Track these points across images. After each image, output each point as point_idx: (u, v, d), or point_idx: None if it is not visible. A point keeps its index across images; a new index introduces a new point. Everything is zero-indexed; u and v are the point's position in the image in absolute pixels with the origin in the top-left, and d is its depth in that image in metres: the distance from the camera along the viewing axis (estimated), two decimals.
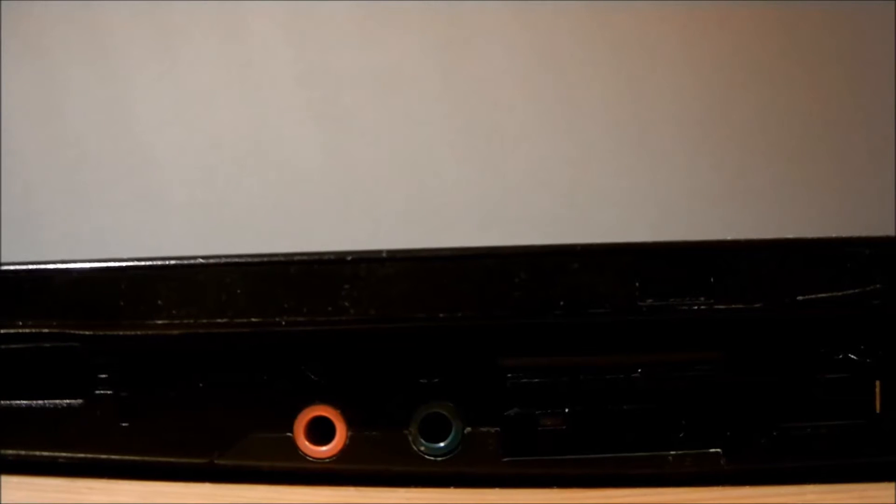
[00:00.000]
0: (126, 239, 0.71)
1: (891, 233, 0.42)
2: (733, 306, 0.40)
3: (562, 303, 0.39)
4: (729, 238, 0.41)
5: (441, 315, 0.39)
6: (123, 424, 0.41)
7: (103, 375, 0.41)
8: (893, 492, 0.39)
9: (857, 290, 0.40)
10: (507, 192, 0.72)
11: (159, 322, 0.40)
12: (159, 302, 0.40)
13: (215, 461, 0.41)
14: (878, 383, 0.41)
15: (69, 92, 0.72)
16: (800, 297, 0.40)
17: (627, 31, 0.73)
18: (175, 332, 0.40)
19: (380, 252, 0.39)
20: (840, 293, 0.40)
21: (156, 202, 0.72)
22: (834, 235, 0.41)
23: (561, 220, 0.72)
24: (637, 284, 0.39)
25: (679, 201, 0.73)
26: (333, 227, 0.72)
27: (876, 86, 0.72)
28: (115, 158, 0.71)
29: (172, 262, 0.40)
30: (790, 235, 0.41)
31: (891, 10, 0.71)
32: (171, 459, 0.41)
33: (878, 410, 0.41)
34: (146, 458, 0.41)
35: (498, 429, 0.40)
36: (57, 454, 0.41)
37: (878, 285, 0.40)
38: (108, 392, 0.41)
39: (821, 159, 0.73)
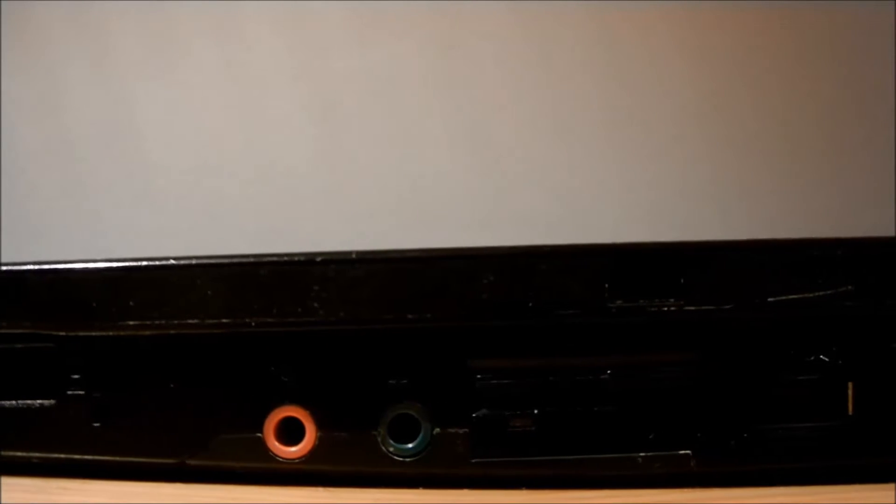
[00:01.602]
0: (125, 239, 0.71)
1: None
2: (703, 307, 0.40)
3: (531, 304, 0.39)
4: (709, 238, 0.41)
5: (410, 316, 0.39)
6: (95, 425, 0.41)
7: (76, 376, 0.41)
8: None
9: (828, 292, 0.39)
10: (502, 193, 0.72)
11: (131, 323, 0.40)
12: (131, 303, 0.40)
13: (186, 461, 0.41)
14: (850, 385, 0.40)
15: (68, 92, 0.72)
16: (770, 299, 0.39)
17: (623, 30, 0.72)
18: (146, 332, 0.40)
19: (349, 253, 0.39)
20: (811, 294, 0.39)
21: (154, 201, 0.72)
22: (808, 237, 0.41)
23: (556, 220, 0.72)
24: (606, 286, 0.39)
25: (676, 201, 0.72)
26: (330, 227, 0.72)
27: (876, 86, 0.71)
28: (114, 158, 0.72)
29: (144, 263, 0.40)
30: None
31: (891, 10, 0.71)
32: (143, 460, 0.41)
33: (850, 412, 0.41)
34: (118, 459, 0.41)
35: (467, 430, 0.40)
36: (30, 454, 0.41)
37: (849, 287, 0.39)
38: (81, 393, 0.41)
39: (821, 159, 0.72)
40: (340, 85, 0.72)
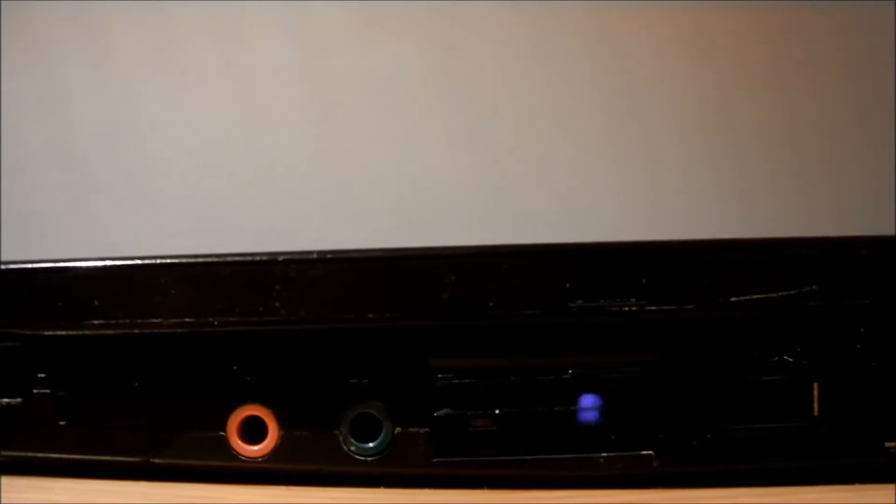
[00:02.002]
0: (125, 238, 0.72)
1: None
2: (665, 308, 0.39)
3: (491, 304, 0.39)
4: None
5: (371, 316, 0.40)
6: (61, 423, 0.41)
7: (42, 375, 0.41)
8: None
9: (792, 292, 0.39)
10: (502, 193, 0.72)
11: (96, 322, 0.40)
12: (96, 302, 0.40)
13: (151, 460, 0.41)
14: (815, 385, 0.40)
15: (68, 91, 0.73)
16: (733, 299, 0.39)
17: (623, 29, 0.72)
18: (111, 332, 0.40)
19: (310, 253, 0.40)
20: (775, 294, 0.39)
21: (154, 201, 0.72)
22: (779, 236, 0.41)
23: (556, 220, 0.72)
24: (567, 286, 0.39)
25: (676, 201, 0.72)
26: (330, 227, 0.72)
27: (876, 86, 0.71)
28: (115, 158, 0.72)
29: (108, 263, 0.40)
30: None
31: (891, 10, 0.70)
32: (108, 458, 0.41)
33: (816, 413, 0.40)
34: (83, 457, 0.41)
35: (428, 429, 0.41)
36: None
37: (814, 286, 0.39)
38: (47, 391, 0.41)
39: (821, 159, 0.72)
40: (340, 85, 0.72)
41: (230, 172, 0.72)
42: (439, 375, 0.40)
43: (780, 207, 0.71)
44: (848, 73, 0.71)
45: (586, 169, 0.72)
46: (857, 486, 0.40)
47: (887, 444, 0.40)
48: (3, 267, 0.40)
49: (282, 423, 0.41)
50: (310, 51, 0.72)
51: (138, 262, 0.40)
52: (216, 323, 0.40)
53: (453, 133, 0.71)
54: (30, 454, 0.41)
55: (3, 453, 0.41)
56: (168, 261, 0.40)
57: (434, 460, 0.40)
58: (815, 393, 0.40)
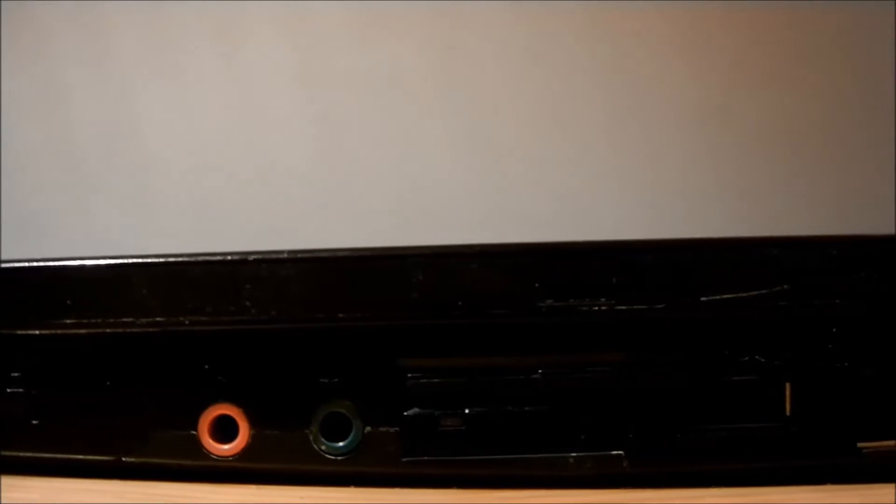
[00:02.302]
0: (125, 238, 0.72)
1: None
2: (635, 307, 0.39)
3: (460, 303, 0.39)
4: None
5: (341, 315, 0.40)
6: (34, 422, 0.41)
7: (15, 374, 0.41)
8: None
9: (763, 291, 0.39)
10: (502, 192, 0.72)
11: (68, 322, 0.40)
12: (68, 302, 0.40)
13: (123, 459, 0.41)
14: (787, 385, 0.40)
15: (68, 92, 0.73)
16: (704, 298, 0.39)
17: (623, 29, 0.72)
18: (83, 331, 0.40)
19: (281, 252, 0.40)
20: (746, 294, 0.39)
21: (154, 201, 0.73)
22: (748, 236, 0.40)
23: (556, 219, 0.71)
24: (537, 285, 0.39)
25: (676, 201, 0.72)
26: (329, 227, 0.72)
27: (876, 86, 0.71)
28: (115, 158, 0.72)
29: (80, 263, 0.40)
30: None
31: (891, 10, 0.70)
32: (80, 457, 0.41)
33: (788, 413, 0.40)
34: (56, 456, 0.41)
35: (398, 429, 0.41)
36: None
37: (785, 286, 0.39)
38: (20, 390, 0.41)
39: (820, 159, 0.72)
40: (340, 85, 0.72)
41: (230, 172, 0.73)
42: (409, 375, 0.40)
43: (779, 207, 0.71)
44: (848, 73, 0.71)
45: (586, 169, 0.72)
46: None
47: (859, 445, 0.40)
48: None
49: (253, 423, 0.41)
50: (309, 51, 0.72)
51: (110, 262, 0.40)
52: (187, 322, 0.40)
53: (453, 133, 0.71)
54: (3, 453, 0.42)
55: None
56: (140, 261, 0.40)
57: (404, 460, 0.40)
58: (787, 393, 0.40)
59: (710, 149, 0.71)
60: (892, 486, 0.39)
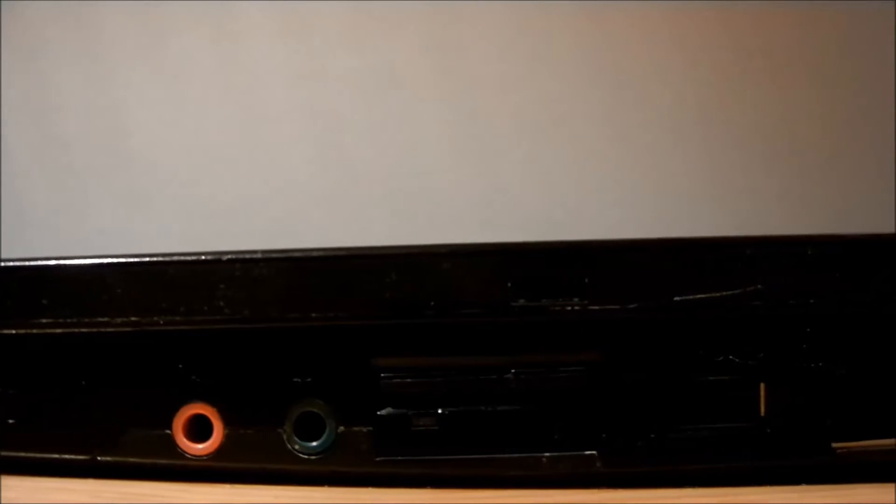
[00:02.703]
0: (118, 238, 0.72)
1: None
2: (608, 307, 0.39)
3: (433, 303, 0.39)
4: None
5: (314, 315, 0.40)
6: (10, 422, 0.41)
7: None
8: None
9: (737, 291, 0.39)
10: (501, 191, 0.72)
11: (43, 321, 0.40)
12: (44, 301, 0.40)
13: (98, 458, 0.41)
14: (762, 386, 0.40)
15: (60, 91, 0.73)
16: (677, 298, 0.39)
17: (620, 28, 0.72)
18: (58, 331, 0.40)
19: (255, 252, 0.40)
20: (719, 294, 0.39)
21: (147, 201, 0.73)
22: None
23: (555, 219, 0.71)
24: (509, 285, 0.39)
25: (675, 200, 0.72)
26: (325, 226, 0.72)
27: (876, 86, 0.70)
28: (107, 158, 0.73)
29: (54, 262, 0.40)
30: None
31: (891, 10, 0.70)
32: (56, 456, 0.41)
33: (762, 413, 0.40)
34: (31, 455, 0.42)
35: (371, 428, 0.41)
36: None
37: (758, 286, 0.39)
38: None
39: (820, 159, 0.71)
40: (336, 83, 0.73)
41: (224, 172, 0.73)
42: (382, 375, 0.40)
43: (778, 207, 0.70)
44: (848, 73, 0.71)
45: (584, 169, 0.72)
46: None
47: (833, 445, 0.40)
48: None
49: (227, 422, 0.41)
50: (306, 49, 0.72)
51: (86, 261, 0.40)
52: (162, 322, 0.40)
53: (450, 131, 0.71)
54: None
55: None
56: (115, 260, 0.40)
57: (377, 459, 0.40)
58: (762, 393, 0.40)
59: (710, 149, 0.71)
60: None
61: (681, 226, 0.70)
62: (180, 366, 0.41)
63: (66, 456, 0.42)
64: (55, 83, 0.73)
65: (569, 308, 0.39)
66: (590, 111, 0.72)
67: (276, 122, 0.72)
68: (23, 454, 0.42)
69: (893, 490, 0.39)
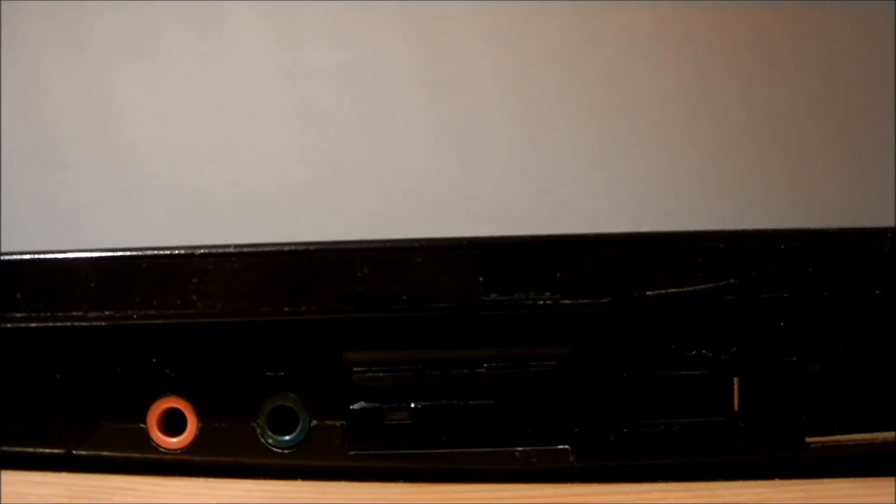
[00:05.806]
0: (107, 232, 0.72)
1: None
2: (580, 301, 0.39)
3: (404, 297, 0.39)
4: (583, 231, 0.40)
5: (287, 309, 0.40)
6: None
7: None
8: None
9: (710, 285, 0.39)
10: (486, 188, 0.72)
11: (18, 315, 0.40)
12: (18, 295, 0.40)
13: (73, 451, 0.41)
14: (735, 380, 0.40)
15: (50, 88, 0.73)
16: (649, 292, 0.39)
17: (607, 24, 0.72)
18: (32, 325, 0.40)
19: (227, 246, 0.40)
20: (692, 288, 0.39)
21: (136, 196, 0.73)
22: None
23: (543, 215, 0.71)
24: (481, 279, 0.39)
25: (665, 197, 0.72)
26: (311, 222, 0.72)
27: (876, 86, 0.70)
28: (95, 153, 0.73)
29: (28, 256, 0.40)
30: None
31: (891, 10, 0.70)
32: (30, 450, 0.42)
33: (735, 408, 0.40)
34: (6, 448, 0.42)
35: (344, 422, 0.41)
36: None
37: (731, 280, 0.39)
38: None
39: (820, 159, 0.71)
40: (323, 80, 0.73)
41: (211, 167, 0.73)
42: (355, 369, 0.40)
43: (776, 207, 0.70)
44: (848, 73, 0.71)
45: (571, 165, 0.71)
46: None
47: (807, 440, 0.40)
48: None
49: (200, 416, 0.41)
50: (292, 44, 0.73)
51: (58, 255, 0.40)
52: (135, 316, 0.40)
53: (436, 127, 0.71)
54: None
55: None
56: (87, 255, 0.40)
57: (350, 453, 0.41)
58: (735, 388, 0.40)
59: (697, 145, 0.71)
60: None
61: (668, 223, 0.70)
62: (154, 360, 0.41)
63: (41, 450, 0.42)
64: (45, 80, 0.73)
65: (541, 302, 0.39)
66: (574, 108, 0.72)
67: (263, 117, 0.72)
68: None
69: (864, 485, 0.38)
